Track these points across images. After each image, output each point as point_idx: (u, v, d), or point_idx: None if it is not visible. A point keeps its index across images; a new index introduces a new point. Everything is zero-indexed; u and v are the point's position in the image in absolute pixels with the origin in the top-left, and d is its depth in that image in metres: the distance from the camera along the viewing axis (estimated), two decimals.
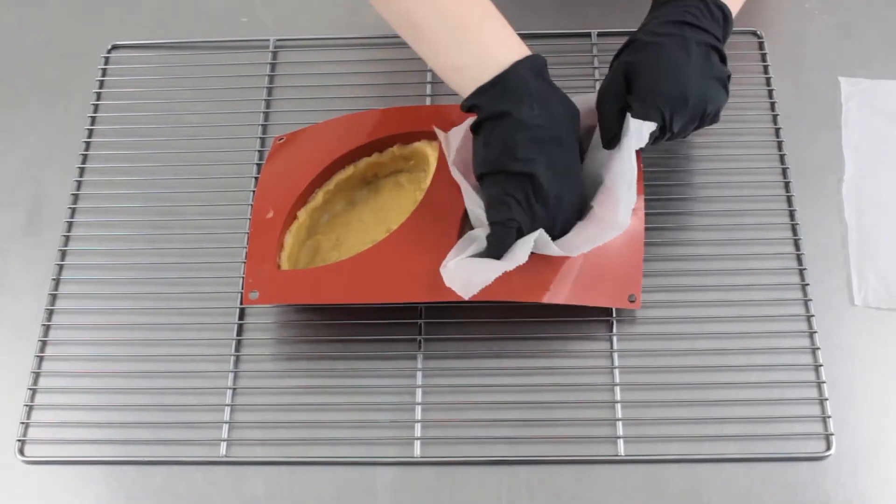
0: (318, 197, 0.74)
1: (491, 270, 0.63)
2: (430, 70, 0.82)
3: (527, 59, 0.65)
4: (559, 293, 0.66)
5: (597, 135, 0.69)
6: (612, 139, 0.67)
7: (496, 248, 0.65)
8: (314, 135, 0.76)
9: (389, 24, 0.69)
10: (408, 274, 0.68)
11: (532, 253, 0.64)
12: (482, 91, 0.64)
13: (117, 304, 0.74)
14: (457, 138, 0.68)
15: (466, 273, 0.64)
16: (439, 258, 0.66)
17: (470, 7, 0.66)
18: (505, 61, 0.64)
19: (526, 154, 0.63)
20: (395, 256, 0.68)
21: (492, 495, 0.66)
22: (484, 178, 0.65)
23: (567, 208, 0.66)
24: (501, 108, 0.64)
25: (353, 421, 0.69)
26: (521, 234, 0.64)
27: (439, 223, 0.69)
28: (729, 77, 0.69)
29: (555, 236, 0.65)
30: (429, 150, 0.74)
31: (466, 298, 0.63)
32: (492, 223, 0.65)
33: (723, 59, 0.69)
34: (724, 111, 0.79)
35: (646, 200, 0.72)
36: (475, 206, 0.67)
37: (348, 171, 0.75)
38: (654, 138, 0.67)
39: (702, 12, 0.68)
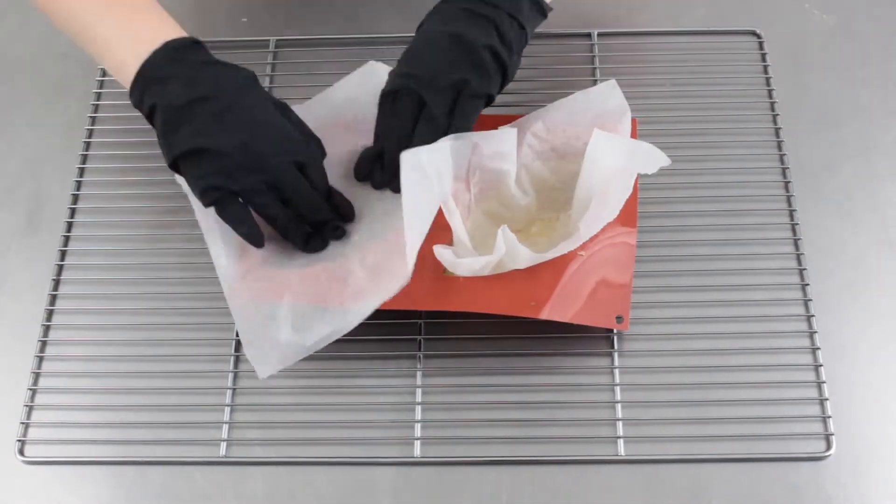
0: None
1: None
2: None
3: (165, 44, 0.64)
4: (547, 310, 0.66)
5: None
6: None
7: (235, 223, 0.65)
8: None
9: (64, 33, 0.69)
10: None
11: (519, 269, 0.66)
12: (132, 90, 0.65)
13: (117, 304, 0.74)
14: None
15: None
16: (432, 267, 0.67)
17: (113, 7, 0.66)
18: (143, 52, 0.64)
19: (184, 131, 0.63)
20: None
21: (492, 495, 0.66)
22: (175, 172, 0.66)
23: (266, 147, 0.64)
24: (150, 101, 0.64)
25: (353, 421, 0.69)
26: (235, 196, 0.65)
27: (431, 232, 0.69)
28: (508, 45, 0.67)
29: (275, 186, 0.65)
30: None
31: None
32: (206, 205, 0.65)
33: (500, 30, 0.67)
34: (724, 111, 0.79)
35: (646, 201, 0.73)
36: (459, 231, 0.67)
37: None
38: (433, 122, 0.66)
39: None
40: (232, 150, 0.63)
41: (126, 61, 0.65)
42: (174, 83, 0.64)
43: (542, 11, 0.70)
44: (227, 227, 0.66)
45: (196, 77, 0.64)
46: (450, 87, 0.66)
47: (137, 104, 0.66)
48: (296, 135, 0.67)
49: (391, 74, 0.69)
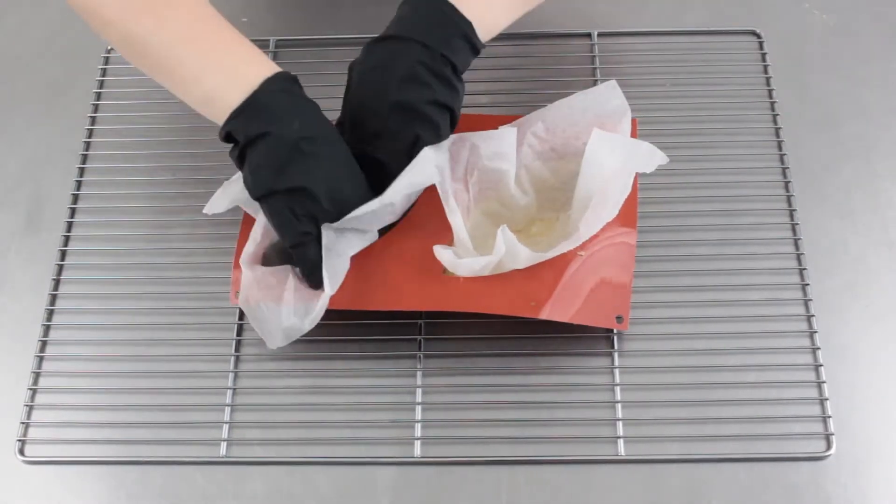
0: None
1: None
2: None
3: (276, 75, 0.64)
4: (547, 310, 0.66)
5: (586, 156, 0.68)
6: None
7: (304, 265, 0.66)
8: None
9: (134, 64, 0.68)
10: (397, 282, 0.68)
11: (519, 269, 0.66)
12: (235, 115, 0.63)
13: (117, 304, 0.74)
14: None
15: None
16: (431, 267, 0.67)
17: (206, 30, 0.65)
18: (254, 81, 0.63)
19: (293, 168, 0.63)
20: (385, 264, 0.68)
21: (492, 495, 0.66)
22: (261, 202, 0.65)
23: (350, 197, 0.65)
24: (259, 129, 0.63)
25: (353, 421, 0.69)
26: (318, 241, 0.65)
27: (430, 232, 0.69)
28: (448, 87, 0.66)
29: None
30: None
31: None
32: (290, 246, 0.65)
33: (442, 78, 0.66)
34: (724, 111, 0.79)
35: (646, 201, 0.73)
36: (460, 230, 0.67)
37: None
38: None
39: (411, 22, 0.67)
40: (324, 195, 0.64)
41: (224, 92, 0.64)
42: (286, 118, 0.63)
43: (475, 51, 0.68)
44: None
45: (303, 114, 0.64)
46: (403, 150, 0.66)
47: (229, 134, 0.64)
48: (365, 182, 0.67)
49: (347, 132, 0.69)
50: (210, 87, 0.65)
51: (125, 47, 0.67)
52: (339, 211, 0.65)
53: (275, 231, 0.67)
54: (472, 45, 0.67)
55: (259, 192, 0.64)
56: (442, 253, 0.66)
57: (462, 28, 0.66)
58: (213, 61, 0.65)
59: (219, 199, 0.69)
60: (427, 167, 0.65)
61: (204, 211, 0.69)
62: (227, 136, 0.65)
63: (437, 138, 0.67)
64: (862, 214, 0.76)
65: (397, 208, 0.68)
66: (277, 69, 0.65)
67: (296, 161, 0.63)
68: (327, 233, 0.65)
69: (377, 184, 0.67)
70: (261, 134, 0.63)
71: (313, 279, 0.66)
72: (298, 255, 0.65)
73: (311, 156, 0.63)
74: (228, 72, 0.64)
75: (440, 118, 0.67)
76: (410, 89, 0.65)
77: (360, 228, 0.67)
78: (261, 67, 0.65)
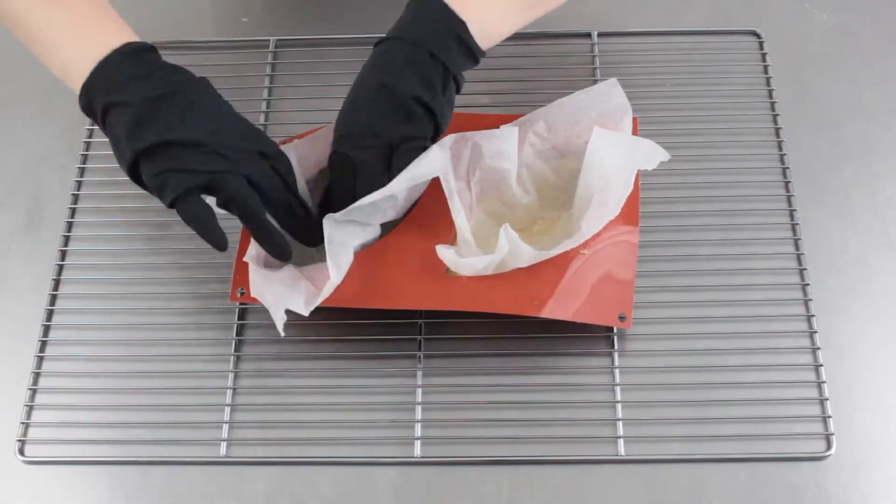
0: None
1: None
2: None
3: (126, 44, 0.64)
4: (550, 308, 0.66)
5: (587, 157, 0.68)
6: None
7: (200, 225, 0.64)
8: (316, 137, 0.75)
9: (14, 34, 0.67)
10: (399, 280, 0.68)
11: (522, 268, 0.66)
12: (85, 88, 0.63)
13: (117, 304, 0.74)
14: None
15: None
16: (434, 266, 0.67)
17: (61, 7, 0.65)
18: (105, 49, 0.63)
19: (144, 127, 0.62)
20: (386, 262, 0.68)
21: (492, 495, 0.66)
22: (135, 170, 0.64)
23: (232, 140, 0.64)
24: (111, 98, 0.62)
25: (353, 421, 0.69)
26: (200, 192, 0.63)
27: (432, 230, 0.69)
28: (432, 91, 0.66)
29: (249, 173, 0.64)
30: None
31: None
32: (171, 205, 0.64)
33: (426, 76, 0.65)
34: (724, 111, 0.79)
35: (646, 200, 0.72)
36: (462, 223, 0.67)
37: None
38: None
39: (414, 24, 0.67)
40: (200, 140, 0.62)
41: (77, 61, 0.63)
42: (135, 83, 0.63)
43: (473, 56, 0.67)
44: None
45: (156, 75, 0.64)
46: (382, 145, 0.65)
47: (88, 105, 0.64)
48: (257, 129, 0.67)
49: (334, 132, 0.68)
50: (65, 56, 0.64)
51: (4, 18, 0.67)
52: (224, 150, 0.63)
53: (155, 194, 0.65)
54: (468, 48, 0.66)
55: (129, 160, 0.63)
56: (444, 252, 0.66)
57: (454, 27, 0.65)
58: (69, 29, 0.64)
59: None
60: (432, 160, 0.65)
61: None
62: (87, 110, 0.65)
63: (419, 139, 0.66)
64: (862, 214, 0.76)
65: (399, 203, 0.68)
66: (131, 38, 0.64)
67: (151, 119, 0.62)
68: (328, 223, 0.65)
69: (349, 187, 0.66)
70: (110, 104, 0.63)
71: (208, 237, 0.64)
72: (182, 212, 0.63)
73: (170, 110, 0.62)
74: (82, 41, 0.64)
75: (424, 120, 0.66)
76: (391, 86, 0.65)
77: (362, 221, 0.67)
78: (115, 36, 0.64)
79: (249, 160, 0.64)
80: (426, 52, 0.65)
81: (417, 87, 0.65)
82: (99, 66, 0.63)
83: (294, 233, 0.68)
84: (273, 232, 0.65)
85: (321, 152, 0.71)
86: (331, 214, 0.65)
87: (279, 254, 0.66)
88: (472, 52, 0.67)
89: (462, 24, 0.66)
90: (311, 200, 0.72)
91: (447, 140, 0.67)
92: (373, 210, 0.66)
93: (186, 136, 0.62)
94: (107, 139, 0.80)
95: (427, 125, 0.66)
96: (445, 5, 0.66)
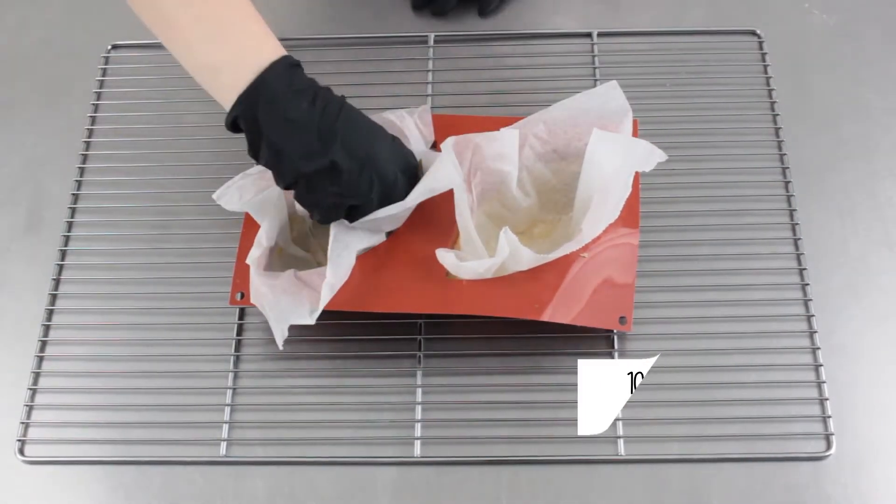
0: None
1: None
2: (431, 70, 0.82)
3: (284, 57, 0.62)
4: (550, 312, 0.66)
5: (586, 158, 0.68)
6: None
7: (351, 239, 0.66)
8: None
9: (140, 18, 0.63)
10: (399, 284, 0.68)
11: (522, 271, 0.66)
12: (247, 96, 0.61)
13: (117, 304, 0.74)
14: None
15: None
16: (434, 270, 0.67)
17: (225, 4, 0.63)
18: (263, 60, 0.61)
19: (312, 150, 0.62)
20: (387, 266, 0.68)
21: (492, 495, 0.66)
22: (291, 187, 0.64)
23: (383, 165, 0.64)
24: (277, 113, 0.61)
25: (353, 421, 0.69)
26: (353, 211, 0.65)
27: (433, 235, 0.69)
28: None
29: (386, 198, 0.65)
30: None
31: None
32: (320, 222, 0.66)
33: None
34: (724, 111, 0.79)
35: (646, 201, 0.72)
36: (470, 231, 0.67)
37: None
38: None
39: None
40: (357, 167, 0.63)
41: (233, 69, 0.61)
42: (299, 100, 0.61)
43: None
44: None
45: (320, 96, 0.63)
46: None
47: (245, 113, 0.61)
48: (401, 146, 0.67)
49: None
50: (215, 54, 0.62)
51: (141, 9, 0.63)
52: (366, 179, 0.63)
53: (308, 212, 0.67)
54: None
55: (285, 182, 0.64)
56: (445, 256, 0.66)
57: None
58: (226, 36, 0.62)
59: (230, 197, 0.68)
60: (449, 172, 0.65)
61: (213, 196, 0.68)
62: (235, 122, 0.63)
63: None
64: (862, 214, 0.76)
65: (410, 212, 0.68)
66: (283, 52, 0.63)
67: (311, 142, 0.62)
68: (337, 224, 0.65)
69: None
70: (277, 119, 0.61)
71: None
72: (322, 223, 0.66)
73: (330, 135, 0.62)
74: (239, 45, 0.62)
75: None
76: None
77: (373, 229, 0.67)
78: (271, 48, 0.63)
79: (393, 183, 0.65)
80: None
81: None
82: (260, 78, 0.61)
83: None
84: None
85: None
86: (343, 221, 0.65)
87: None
88: None
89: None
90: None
91: (449, 141, 0.67)
92: (391, 220, 0.67)
93: (346, 165, 0.62)
94: (107, 140, 0.81)
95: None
96: None
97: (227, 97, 0.62)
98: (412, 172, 0.67)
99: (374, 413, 0.69)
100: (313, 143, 0.62)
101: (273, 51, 0.62)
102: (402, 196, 0.65)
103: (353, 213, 0.65)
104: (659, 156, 0.67)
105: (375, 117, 0.73)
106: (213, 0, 0.62)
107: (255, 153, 0.63)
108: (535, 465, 0.67)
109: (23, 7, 0.90)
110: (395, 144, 0.66)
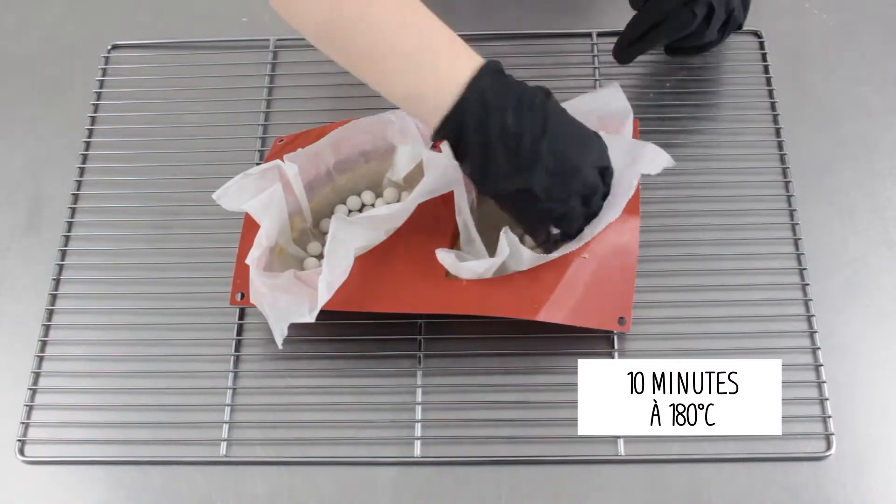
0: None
1: None
2: None
3: (482, 68, 0.61)
4: (550, 312, 0.66)
5: None
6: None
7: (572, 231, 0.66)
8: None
9: (337, 62, 0.64)
10: (399, 283, 0.68)
11: (522, 272, 0.66)
12: (449, 120, 0.60)
13: (117, 304, 0.74)
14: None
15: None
16: (434, 270, 0.67)
17: (414, 28, 0.62)
18: (461, 78, 0.60)
19: (510, 171, 0.61)
20: (386, 265, 0.69)
21: (492, 495, 0.66)
22: (498, 201, 0.64)
23: (587, 172, 0.63)
24: (476, 131, 0.60)
25: (353, 421, 0.69)
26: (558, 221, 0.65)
27: (432, 234, 0.69)
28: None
29: (587, 201, 0.65)
30: None
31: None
32: (542, 243, 0.66)
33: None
34: (724, 111, 0.79)
35: (646, 200, 0.72)
36: (472, 230, 0.67)
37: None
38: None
39: None
40: (564, 180, 0.62)
41: (438, 86, 0.61)
42: (506, 111, 0.60)
43: None
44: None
45: (535, 103, 0.61)
46: None
47: (458, 126, 0.61)
48: (603, 145, 0.65)
49: None
50: (419, 89, 0.62)
51: (327, 33, 0.63)
52: (577, 190, 0.63)
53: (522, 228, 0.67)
54: None
55: (493, 191, 0.64)
56: (444, 256, 0.66)
57: None
58: (422, 63, 0.61)
59: (230, 197, 0.68)
60: (449, 174, 0.65)
61: (213, 196, 0.68)
62: (455, 129, 0.62)
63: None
64: (862, 214, 0.76)
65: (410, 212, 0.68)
66: (482, 61, 0.62)
67: (514, 160, 0.61)
68: (335, 221, 0.64)
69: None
70: (476, 141, 0.61)
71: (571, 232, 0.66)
72: (547, 247, 0.66)
73: (543, 148, 0.61)
74: (436, 72, 0.61)
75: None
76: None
77: (371, 227, 0.67)
78: (466, 62, 0.61)
79: (595, 185, 0.64)
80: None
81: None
82: (460, 102, 0.60)
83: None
84: None
85: (321, 163, 0.72)
86: (341, 216, 0.65)
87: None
88: None
89: None
90: (308, 205, 0.72)
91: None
92: (392, 219, 0.67)
93: (545, 184, 0.62)
94: (107, 140, 0.81)
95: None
96: None
97: (432, 120, 0.61)
98: (609, 170, 0.66)
99: (374, 413, 0.69)
100: (513, 165, 0.61)
101: (468, 63, 0.61)
102: (602, 198, 0.65)
103: (560, 222, 0.65)
104: (666, 160, 0.67)
105: (375, 118, 0.73)
106: (405, 29, 0.62)
107: (460, 161, 0.63)
108: (535, 465, 0.67)
109: (23, 7, 0.90)
110: (598, 144, 0.65)
